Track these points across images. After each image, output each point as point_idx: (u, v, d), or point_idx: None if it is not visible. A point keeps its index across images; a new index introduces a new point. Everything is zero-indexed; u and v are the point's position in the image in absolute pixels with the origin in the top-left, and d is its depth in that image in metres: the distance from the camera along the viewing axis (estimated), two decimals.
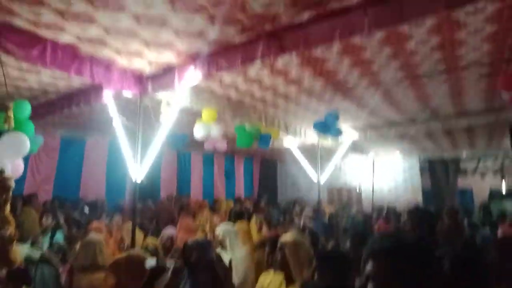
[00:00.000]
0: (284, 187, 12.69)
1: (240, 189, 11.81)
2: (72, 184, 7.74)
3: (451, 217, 4.61)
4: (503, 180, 14.33)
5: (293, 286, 2.37)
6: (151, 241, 3.57)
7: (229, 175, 11.48)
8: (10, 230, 2.65)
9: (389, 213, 6.61)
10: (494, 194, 13.20)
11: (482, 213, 8.23)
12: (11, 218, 2.72)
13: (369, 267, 1.45)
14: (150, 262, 1.89)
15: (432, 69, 3.98)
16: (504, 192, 13.60)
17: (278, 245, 2.56)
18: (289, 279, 2.42)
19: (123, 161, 4.23)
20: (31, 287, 2.98)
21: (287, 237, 2.65)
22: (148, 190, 7.60)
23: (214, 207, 8.00)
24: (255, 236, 4.79)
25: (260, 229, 5.16)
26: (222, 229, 3.76)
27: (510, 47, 3.33)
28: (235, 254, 3.56)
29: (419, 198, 10.84)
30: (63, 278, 3.29)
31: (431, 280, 1.37)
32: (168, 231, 4.17)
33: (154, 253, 3.36)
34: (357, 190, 11.32)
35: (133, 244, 3.91)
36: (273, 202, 10.78)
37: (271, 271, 2.75)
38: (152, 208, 7.30)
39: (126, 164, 4.20)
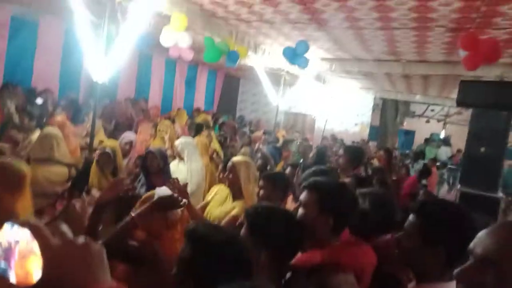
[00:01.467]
0: (244, 105, 12.87)
1: (199, 101, 11.78)
2: (24, 70, 7.28)
3: (386, 156, 5.17)
4: (444, 128, 15.65)
5: (238, 201, 2.66)
6: (110, 143, 3.67)
7: (190, 85, 11.31)
8: None
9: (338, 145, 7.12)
10: (432, 139, 14.48)
11: (415, 154, 9.15)
12: None
13: (302, 196, 1.72)
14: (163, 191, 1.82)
15: (404, 15, 4.07)
16: (441, 138, 14.94)
17: (230, 163, 2.82)
18: (236, 195, 2.71)
19: (80, 53, 4.02)
20: None
21: (239, 158, 2.94)
22: (105, 88, 7.37)
23: (172, 116, 8.07)
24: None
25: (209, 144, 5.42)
26: (181, 141, 3.93)
27: (478, 9, 3.46)
28: (191, 165, 3.80)
29: (366, 133, 11.63)
30: None
31: (349, 214, 1.67)
32: (128, 135, 4.27)
33: (112, 155, 3.49)
34: (312, 118, 11.82)
35: (91, 144, 4.00)
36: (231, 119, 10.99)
37: (222, 185, 3.03)
38: (110, 109, 7.21)
39: (82, 58, 4.00)
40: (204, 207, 2.83)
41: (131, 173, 3.84)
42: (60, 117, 4.52)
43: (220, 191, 2.90)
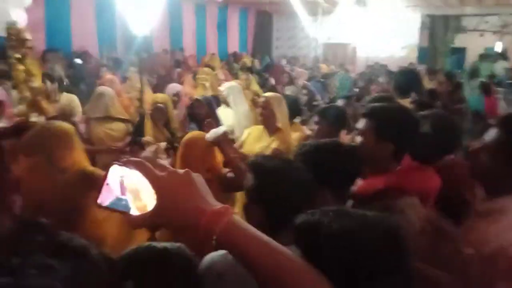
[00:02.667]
0: (280, 43, 12.40)
1: (233, 45, 11.55)
2: (63, 35, 7.47)
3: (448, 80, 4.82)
4: (500, 41, 14.14)
5: (276, 134, 2.70)
6: (160, 97, 3.77)
7: (222, 29, 11.03)
8: (37, 81, 2.78)
9: (382, 73, 6.77)
10: (487, 55, 13.19)
11: (470, 73, 8.44)
12: (36, 70, 2.81)
13: (360, 124, 1.69)
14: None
15: None
16: (498, 52, 13.57)
17: (263, 98, 2.84)
18: (271, 130, 2.74)
19: (113, 10, 4.02)
20: None
21: (271, 93, 2.98)
22: (141, 42, 7.41)
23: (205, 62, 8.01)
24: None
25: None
26: (226, 86, 3.93)
27: None
28: (238, 110, 3.83)
29: (414, 56, 10.87)
30: (82, 128, 3.59)
31: (410, 139, 1.63)
32: (174, 86, 4.35)
33: (164, 108, 3.59)
34: (353, 47, 11.20)
35: (141, 99, 4.13)
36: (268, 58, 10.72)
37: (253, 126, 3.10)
38: (150, 62, 7.31)
39: (115, 14, 4.01)
40: (239, 147, 2.89)
41: (183, 124, 3.97)
42: (109, 75, 4.68)
43: (252, 130, 2.99)
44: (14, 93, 3.31)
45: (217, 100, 3.98)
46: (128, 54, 7.26)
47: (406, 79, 3.24)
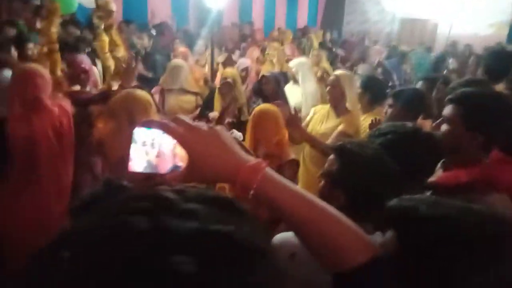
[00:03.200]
0: (352, 17, 11.74)
1: (302, 18, 11.21)
2: (139, 6, 7.78)
3: None
4: None
5: (344, 116, 2.60)
6: (229, 71, 3.82)
7: (292, 1, 10.73)
8: (121, 52, 2.97)
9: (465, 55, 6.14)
10: None
11: None
12: (120, 41, 3.01)
13: (446, 110, 1.56)
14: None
15: None
16: None
17: (333, 77, 2.73)
18: (339, 111, 2.66)
19: None
20: None
21: (342, 71, 2.88)
22: (211, 15, 7.49)
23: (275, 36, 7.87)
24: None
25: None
26: (295, 62, 3.86)
27: None
28: (306, 88, 3.77)
29: (503, 33, 9.67)
30: (156, 98, 3.79)
31: (501, 129, 1.47)
32: (243, 61, 4.38)
33: (232, 83, 3.64)
34: (434, 23, 10.24)
35: (212, 73, 4.23)
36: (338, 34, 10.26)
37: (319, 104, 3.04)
38: (219, 36, 7.38)
39: None
40: (304, 127, 2.82)
41: (250, 100, 4.00)
42: (182, 48, 4.84)
43: (319, 109, 2.91)
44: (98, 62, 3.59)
45: (284, 77, 3.94)
46: (199, 27, 7.42)
47: (499, 62, 2.90)
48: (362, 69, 4.16)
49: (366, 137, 1.92)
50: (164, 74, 3.88)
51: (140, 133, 0.58)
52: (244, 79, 4.24)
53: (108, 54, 3.05)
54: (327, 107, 2.81)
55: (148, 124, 0.58)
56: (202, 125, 0.62)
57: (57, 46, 2.73)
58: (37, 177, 2.06)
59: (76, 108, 2.72)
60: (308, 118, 2.97)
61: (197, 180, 0.60)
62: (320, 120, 2.81)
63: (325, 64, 5.25)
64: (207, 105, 3.81)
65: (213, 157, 0.58)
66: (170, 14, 8.12)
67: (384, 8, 6.90)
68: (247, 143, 2.30)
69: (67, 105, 2.25)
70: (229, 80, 3.62)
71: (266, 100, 3.63)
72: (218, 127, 0.62)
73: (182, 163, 0.59)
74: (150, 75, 4.95)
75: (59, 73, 2.79)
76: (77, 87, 3.02)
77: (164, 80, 3.83)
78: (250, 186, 0.58)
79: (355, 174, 1.09)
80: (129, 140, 0.58)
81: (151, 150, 0.58)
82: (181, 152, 0.59)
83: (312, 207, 0.62)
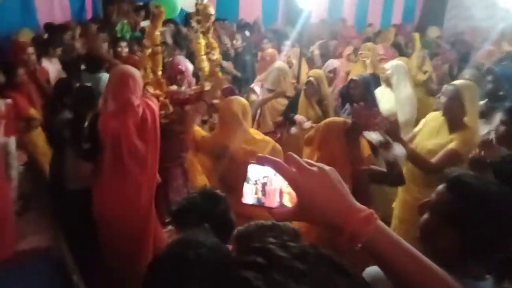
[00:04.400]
0: (455, 12, 10.52)
1: (397, 14, 10.45)
2: (231, 4, 7.97)
3: None
4: None
5: (458, 132, 2.30)
6: (314, 72, 3.75)
7: None
8: (216, 54, 3.12)
9: None
10: None
11: None
12: (215, 44, 3.15)
13: None
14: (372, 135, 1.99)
15: None
16: None
17: (452, 87, 2.43)
18: (454, 126, 2.36)
19: None
20: None
21: (464, 81, 2.51)
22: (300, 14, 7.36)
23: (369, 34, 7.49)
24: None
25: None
26: (392, 64, 3.62)
27: None
28: (401, 94, 3.51)
29: None
30: (258, 91, 3.88)
31: None
32: (332, 62, 4.24)
33: (316, 83, 3.56)
34: None
35: (299, 74, 4.19)
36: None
37: (433, 113, 2.67)
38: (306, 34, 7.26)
39: None
40: (411, 140, 2.58)
41: (336, 102, 3.88)
42: (271, 49, 4.88)
43: (431, 120, 2.57)
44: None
45: (375, 81, 3.71)
46: (287, 24, 7.39)
47: None
48: (468, 74, 3.71)
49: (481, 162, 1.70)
50: (266, 72, 3.94)
51: (253, 170, 0.61)
52: (331, 81, 4.10)
53: (203, 57, 3.19)
54: (440, 119, 2.47)
55: (262, 162, 0.60)
56: (313, 164, 0.61)
57: (160, 48, 2.95)
58: (124, 167, 2.28)
59: (173, 107, 2.93)
60: (416, 129, 2.70)
61: (304, 221, 0.61)
62: (429, 133, 2.50)
63: (429, 67, 4.84)
64: (292, 106, 3.80)
65: (323, 201, 0.58)
66: (260, 12, 8.23)
67: (496, 2, 6.07)
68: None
69: (154, 104, 2.43)
70: (312, 79, 3.51)
71: (353, 105, 3.48)
72: (328, 168, 0.60)
73: (290, 203, 0.60)
74: (239, 74, 5.10)
75: (160, 73, 3.01)
76: (174, 87, 3.24)
77: (264, 78, 3.89)
78: (360, 238, 0.56)
79: (473, 215, 0.95)
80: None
81: (261, 187, 0.60)
82: (290, 191, 0.59)
83: (419, 265, 0.61)
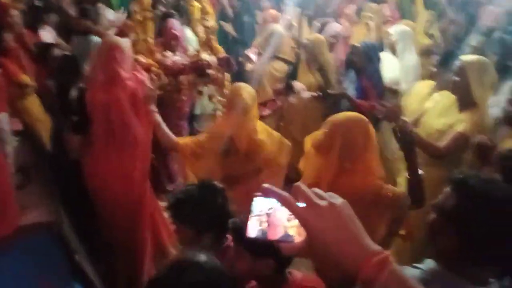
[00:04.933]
0: None
1: None
2: None
3: None
4: None
5: (467, 112, 2.14)
6: (312, 36, 3.55)
7: None
8: (211, 21, 2.94)
9: None
10: None
11: None
12: (210, 9, 2.96)
13: None
14: None
15: None
16: None
17: (459, 64, 2.27)
18: (464, 104, 2.19)
19: None
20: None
21: (472, 56, 2.30)
22: None
23: None
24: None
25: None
26: (397, 30, 3.42)
27: None
28: (405, 61, 3.35)
29: None
30: (254, 59, 3.73)
31: None
32: (333, 26, 3.94)
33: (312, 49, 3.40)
34: None
35: (299, 38, 3.98)
36: None
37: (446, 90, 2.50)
38: None
39: None
40: (419, 117, 2.42)
41: (338, 71, 3.71)
42: (273, 10, 4.60)
43: (443, 97, 2.40)
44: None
45: (378, 48, 3.48)
46: None
47: None
48: (476, 41, 3.50)
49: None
50: (259, 36, 3.74)
51: (258, 203, 0.58)
52: (332, 46, 3.89)
53: (198, 22, 3.02)
54: (451, 97, 2.30)
55: (267, 194, 0.56)
56: (323, 197, 0.55)
57: (150, 13, 2.77)
58: (116, 141, 2.25)
59: (168, 78, 2.82)
60: (426, 106, 2.49)
61: (313, 258, 0.56)
62: (439, 112, 2.34)
63: (435, 30, 4.56)
64: (292, 73, 3.64)
65: (335, 242, 0.53)
66: None
67: None
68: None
69: (144, 77, 2.33)
70: (309, 44, 3.34)
71: (357, 72, 3.32)
72: (340, 203, 0.55)
73: (297, 235, 0.56)
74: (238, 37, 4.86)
75: (151, 40, 2.85)
76: (168, 53, 3.08)
77: (258, 43, 3.69)
78: (373, 284, 0.51)
79: (476, 217, 0.92)
80: None
81: (265, 219, 0.58)
82: (296, 224, 0.56)
83: None
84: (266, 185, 0.57)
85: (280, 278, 1.23)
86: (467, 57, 2.33)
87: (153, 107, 2.24)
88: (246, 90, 2.19)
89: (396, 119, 2.06)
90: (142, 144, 2.34)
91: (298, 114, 3.65)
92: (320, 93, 3.50)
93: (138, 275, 2.49)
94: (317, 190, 0.56)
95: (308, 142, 1.91)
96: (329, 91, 3.54)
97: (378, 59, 3.24)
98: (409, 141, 1.73)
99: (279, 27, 3.69)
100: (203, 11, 2.96)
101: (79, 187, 2.40)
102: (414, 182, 1.68)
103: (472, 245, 0.93)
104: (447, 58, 2.59)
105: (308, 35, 4.12)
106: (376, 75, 3.19)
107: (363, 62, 3.17)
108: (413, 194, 1.68)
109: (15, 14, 3.42)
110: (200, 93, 2.95)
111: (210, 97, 3.12)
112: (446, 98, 2.36)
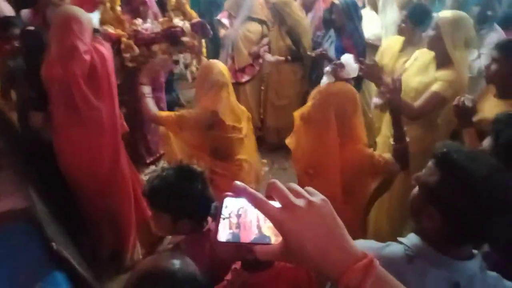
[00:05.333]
0: None
1: None
2: None
3: None
4: None
5: (444, 70, 2.09)
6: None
7: None
8: None
9: None
10: None
11: None
12: None
13: None
14: (347, 59, 1.81)
15: None
16: None
17: (434, 19, 2.20)
18: (440, 62, 2.14)
19: None
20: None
21: (447, 12, 2.20)
22: None
23: None
24: None
25: None
26: None
27: None
28: (386, 16, 3.24)
29: None
30: (226, 23, 3.56)
31: None
32: None
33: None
34: None
35: None
36: None
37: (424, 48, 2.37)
38: None
39: None
40: (400, 75, 2.28)
41: (317, 30, 3.57)
42: None
43: (421, 54, 2.33)
44: None
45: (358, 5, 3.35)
46: None
47: None
48: None
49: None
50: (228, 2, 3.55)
51: (228, 204, 0.53)
52: (311, 5, 3.74)
53: None
54: (430, 54, 2.22)
55: (238, 193, 0.50)
56: (301, 195, 0.50)
57: None
58: (79, 117, 2.14)
59: (140, 48, 2.65)
60: (407, 64, 2.41)
61: (293, 264, 0.51)
62: (418, 69, 2.27)
63: None
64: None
65: (315, 246, 0.48)
66: None
67: None
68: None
69: (106, 48, 2.19)
70: (275, 3, 3.21)
71: (337, 31, 3.21)
72: (320, 201, 0.49)
73: (272, 235, 0.51)
74: None
75: (118, 9, 2.65)
76: (138, 21, 2.89)
77: (229, 6, 3.51)
78: None
79: (459, 196, 0.86)
80: None
81: (236, 220, 0.52)
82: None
83: None
84: (237, 183, 0.50)
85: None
86: (442, 13, 2.24)
87: (142, 79, 2.13)
88: (217, 66, 2.08)
89: (377, 79, 2.02)
90: (107, 118, 2.24)
91: (272, 79, 3.57)
92: (289, 57, 3.42)
93: (124, 248, 2.50)
94: (293, 186, 0.51)
95: (297, 117, 1.85)
96: (309, 53, 3.45)
97: (359, 17, 3.15)
98: (396, 105, 1.70)
99: None
100: None
101: (54, 166, 2.32)
102: (401, 149, 1.67)
103: (456, 227, 0.89)
104: (419, 12, 2.51)
105: None
106: (356, 33, 3.10)
107: (343, 20, 3.06)
108: (399, 160, 1.68)
109: None
110: (176, 62, 2.80)
111: (186, 66, 2.97)
112: (424, 55, 2.29)
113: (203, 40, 2.82)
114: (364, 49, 3.14)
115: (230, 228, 0.51)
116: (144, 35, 2.61)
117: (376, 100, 2.57)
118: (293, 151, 1.92)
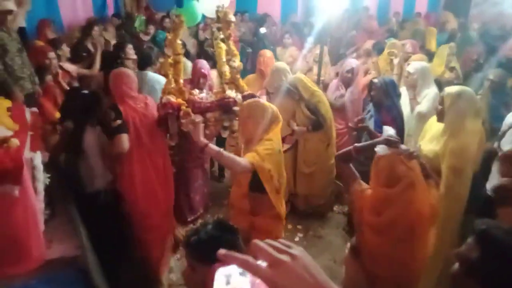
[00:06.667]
0: None
1: (422, 2, 9.99)
2: None
3: None
4: None
5: (452, 138, 2.25)
6: (293, 76, 3.64)
7: None
8: (237, 61, 3.11)
9: None
10: None
11: None
12: (236, 51, 3.13)
13: None
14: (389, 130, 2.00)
15: None
16: None
17: (441, 94, 2.40)
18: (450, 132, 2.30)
19: None
20: None
21: (453, 88, 2.41)
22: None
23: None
24: None
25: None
26: (417, 67, 3.41)
27: None
28: (421, 96, 3.39)
29: None
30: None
31: None
32: (350, 62, 4.03)
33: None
34: None
35: (319, 71, 4.13)
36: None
37: None
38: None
39: None
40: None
41: (359, 104, 3.80)
42: (292, 48, 4.73)
43: (436, 124, 2.51)
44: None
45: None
46: (308, 17, 7.21)
47: None
48: (494, 74, 3.52)
49: None
50: (268, 77, 3.82)
51: (219, 275, 0.59)
52: (350, 81, 3.95)
53: (224, 61, 3.21)
54: (440, 126, 2.43)
55: (228, 261, 0.55)
56: (282, 251, 0.55)
57: (181, 57, 2.97)
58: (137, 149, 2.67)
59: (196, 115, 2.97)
60: (426, 133, 2.63)
61: None
62: (432, 137, 2.46)
63: (455, 63, 4.60)
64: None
65: None
66: (279, 5, 8.07)
67: None
68: None
69: (152, 102, 2.84)
70: (288, 85, 3.46)
71: (376, 107, 3.35)
72: (299, 253, 0.55)
73: None
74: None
75: (181, 81, 3.04)
76: (195, 91, 3.27)
77: (267, 83, 3.79)
78: None
79: (500, 270, 0.93)
80: None
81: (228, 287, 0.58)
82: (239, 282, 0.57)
83: None
84: (222, 251, 0.55)
85: None
86: (449, 88, 2.43)
87: (196, 137, 2.22)
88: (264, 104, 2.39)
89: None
90: (161, 166, 2.85)
91: (300, 147, 3.69)
92: (310, 127, 3.53)
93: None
94: (272, 242, 0.56)
95: None
96: (350, 124, 3.59)
97: (397, 94, 3.33)
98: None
99: (282, 64, 3.78)
100: (230, 53, 3.15)
101: (102, 217, 2.48)
102: None
103: None
104: None
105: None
106: (395, 109, 3.26)
107: (381, 97, 3.25)
108: None
109: (52, 57, 3.69)
110: (226, 128, 3.08)
111: (233, 132, 3.23)
112: (438, 125, 2.46)
113: None
114: (403, 123, 3.28)
115: None
116: (201, 104, 2.94)
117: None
118: None
